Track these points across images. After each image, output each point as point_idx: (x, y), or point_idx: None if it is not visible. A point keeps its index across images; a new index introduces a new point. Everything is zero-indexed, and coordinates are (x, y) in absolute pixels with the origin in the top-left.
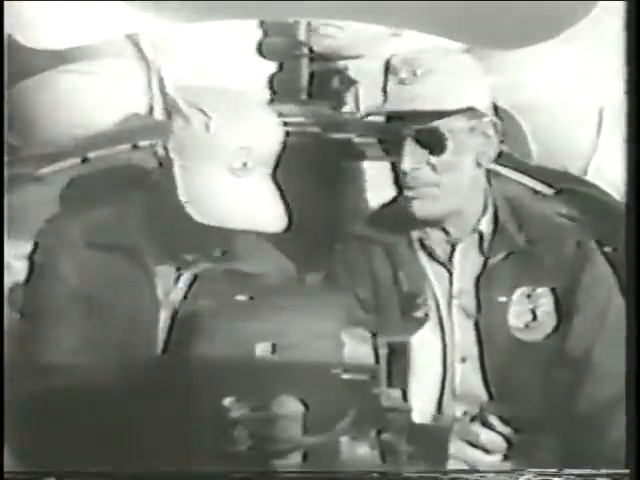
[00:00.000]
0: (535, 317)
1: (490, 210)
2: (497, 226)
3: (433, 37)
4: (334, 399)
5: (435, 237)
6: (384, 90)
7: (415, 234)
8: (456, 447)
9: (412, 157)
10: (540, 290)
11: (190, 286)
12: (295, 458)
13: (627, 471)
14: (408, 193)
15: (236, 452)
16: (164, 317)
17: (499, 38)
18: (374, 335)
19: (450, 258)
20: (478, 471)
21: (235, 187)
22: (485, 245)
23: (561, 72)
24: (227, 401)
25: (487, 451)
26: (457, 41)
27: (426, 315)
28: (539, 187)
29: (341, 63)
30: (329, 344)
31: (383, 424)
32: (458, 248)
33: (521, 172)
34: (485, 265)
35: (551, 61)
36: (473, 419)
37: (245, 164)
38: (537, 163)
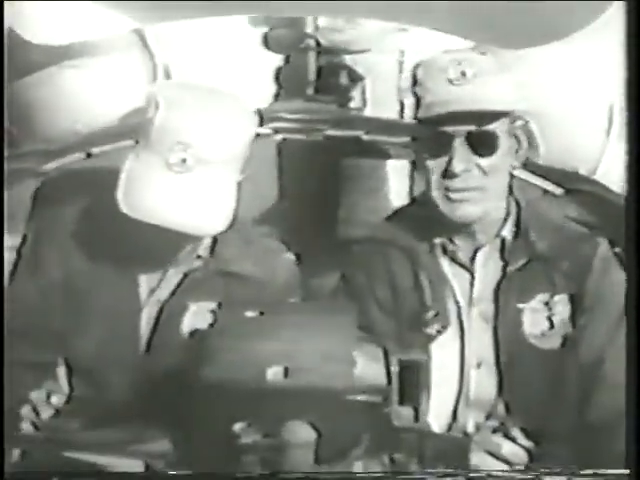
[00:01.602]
0: (552, 325)
1: (513, 215)
2: (519, 232)
3: (441, 34)
4: (348, 424)
5: (458, 241)
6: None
7: (438, 239)
8: (477, 459)
9: (462, 159)
10: (558, 297)
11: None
12: None
13: (627, 471)
14: (454, 195)
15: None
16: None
17: (505, 38)
18: (386, 352)
19: (472, 262)
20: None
21: (170, 183)
22: (506, 251)
23: (570, 73)
24: (237, 427)
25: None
26: (464, 39)
27: (438, 332)
28: (550, 187)
29: (348, 57)
30: (341, 364)
31: (396, 444)
32: (480, 252)
33: (535, 174)
34: (505, 271)
35: (560, 62)
36: (494, 431)
37: (184, 160)
38: (547, 164)
